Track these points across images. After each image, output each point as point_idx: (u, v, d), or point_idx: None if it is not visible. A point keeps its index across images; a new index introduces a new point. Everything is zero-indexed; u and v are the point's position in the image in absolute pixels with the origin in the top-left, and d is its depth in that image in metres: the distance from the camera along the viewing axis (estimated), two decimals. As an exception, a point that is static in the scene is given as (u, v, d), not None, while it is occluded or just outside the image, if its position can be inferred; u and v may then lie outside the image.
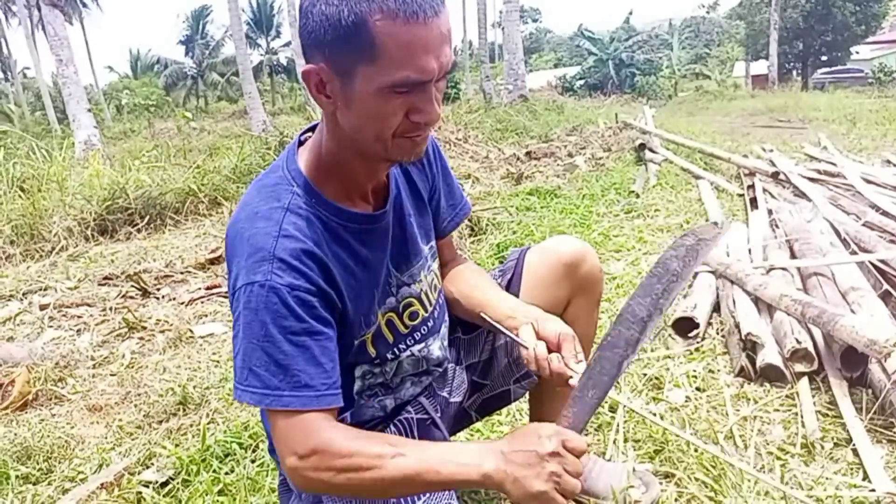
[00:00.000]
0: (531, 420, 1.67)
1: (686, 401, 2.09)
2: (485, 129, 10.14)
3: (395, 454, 0.95)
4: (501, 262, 1.54)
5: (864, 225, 3.46)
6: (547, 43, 65.04)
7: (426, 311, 1.25)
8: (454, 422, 1.44)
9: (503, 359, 1.44)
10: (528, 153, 7.94)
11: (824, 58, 30.13)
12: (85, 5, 33.62)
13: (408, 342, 1.22)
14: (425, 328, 1.25)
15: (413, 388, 1.29)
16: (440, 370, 1.34)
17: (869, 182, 4.58)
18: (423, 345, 1.25)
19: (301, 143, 1.11)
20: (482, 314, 1.28)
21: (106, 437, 2.25)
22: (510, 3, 13.67)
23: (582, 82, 26.36)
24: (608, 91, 23.97)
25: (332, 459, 0.95)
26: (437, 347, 1.29)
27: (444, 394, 1.37)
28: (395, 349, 1.20)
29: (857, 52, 32.63)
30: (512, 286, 1.42)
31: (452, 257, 1.44)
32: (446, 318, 1.37)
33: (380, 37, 0.86)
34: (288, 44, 32.82)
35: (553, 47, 60.14)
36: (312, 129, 1.11)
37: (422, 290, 1.24)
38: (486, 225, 4.54)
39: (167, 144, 9.31)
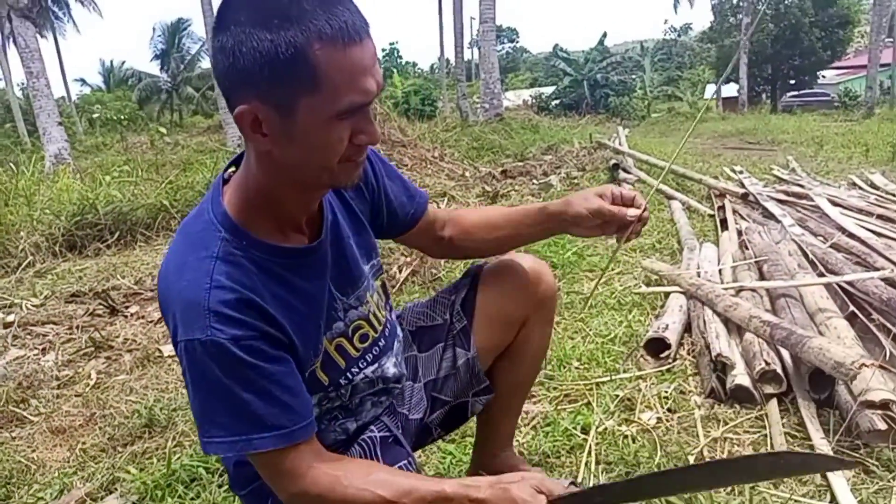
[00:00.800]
0: (477, 440, 1.69)
1: (658, 422, 2.10)
2: (461, 147, 10.19)
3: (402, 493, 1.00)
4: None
5: (830, 247, 3.53)
6: (523, 62, 65.79)
7: (376, 331, 1.25)
8: (416, 439, 1.44)
9: (464, 374, 1.45)
10: (503, 172, 7.99)
11: (792, 81, 30.91)
12: (58, 17, 33.23)
13: (360, 365, 1.21)
14: (377, 349, 1.25)
15: (374, 408, 1.28)
16: (399, 387, 1.34)
17: (835, 204, 4.68)
18: (376, 365, 1.25)
19: (226, 181, 1.06)
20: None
21: (68, 461, 2.19)
22: (486, 23, 13.82)
23: (557, 102, 26.67)
24: (583, 111, 24.28)
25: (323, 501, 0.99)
26: (391, 365, 1.28)
27: (404, 411, 1.37)
28: (348, 374, 1.19)
29: (824, 77, 33.54)
30: (466, 304, 1.44)
31: (441, 219, 1.43)
32: (399, 333, 1.37)
33: (321, 66, 0.84)
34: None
35: (529, 67, 60.82)
36: (236, 162, 1.06)
37: (369, 311, 1.23)
38: (461, 244, 4.54)
39: (140, 159, 9.20)
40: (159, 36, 36.98)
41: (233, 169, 1.07)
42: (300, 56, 0.83)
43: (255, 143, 0.93)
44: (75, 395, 2.76)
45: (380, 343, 1.25)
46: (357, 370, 1.20)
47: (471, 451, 1.85)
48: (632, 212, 1.25)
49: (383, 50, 58.34)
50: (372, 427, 1.26)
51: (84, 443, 2.30)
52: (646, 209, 1.27)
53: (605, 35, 30.09)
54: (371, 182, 1.27)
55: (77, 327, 3.55)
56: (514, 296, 1.42)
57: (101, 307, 3.84)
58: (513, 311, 1.44)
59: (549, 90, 29.33)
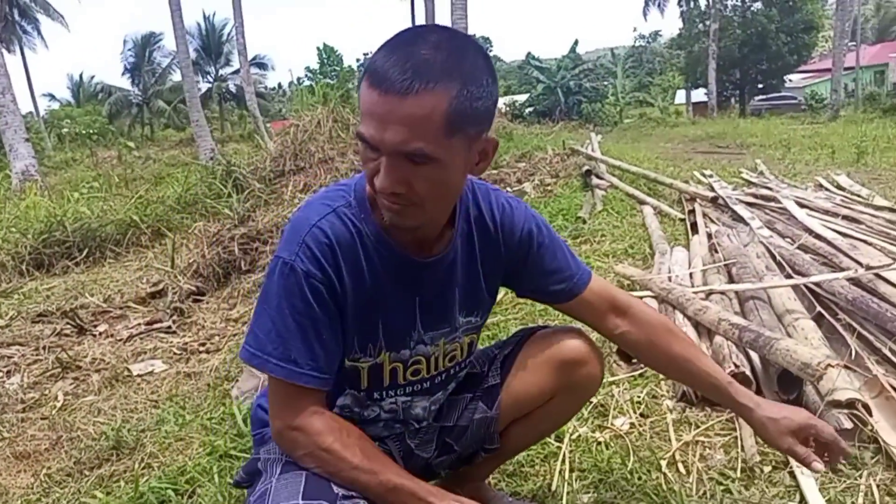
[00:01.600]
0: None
1: (630, 427, 2.11)
2: (435, 156, 10.18)
3: (369, 470, 1.07)
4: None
5: (798, 248, 3.59)
6: (497, 71, 66.14)
7: (428, 373, 1.27)
8: (418, 473, 1.41)
9: (480, 430, 1.44)
10: (477, 180, 8.01)
11: (760, 85, 31.49)
12: (26, 32, 32.73)
13: (398, 392, 1.27)
14: (419, 386, 1.28)
15: (384, 430, 1.32)
16: (416, 425, 1.35)
17: (802, 206, 4.76)
18: (409, 398, 1.28)
19: None
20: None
21: (32, 487, 2.13)
22: (457, 27, 13.88)
23: (531, 109, 26.87)
24: (556, 118, 24.49)
25: (309, 444, 1.08)
26: (420, 407, 1.32)
27: (411, 444, 1.38)
28: (385, 392, 1.25)
29: (791, 80, 34.23)
30: (506, 363, 1.44)
31: (615, 304, 1.40)
32: (451, 387, 1.39)
33: (360, 90, 0.98)
34: (237, 71, 32.50)
35: (503, 75, 61.18)
36: None
37: (434, 354, 1.26)
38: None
39: (109, 174, 9.07)
40: (130, 50, 36.52)
41: None
42: (362, 78, 0.98)
43: None
44: (41, 418, 2.69)
45: (425, 384, 1.29)
46: (393, 394, 1.26)
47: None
48: (818, 466, 1.28)
49: (357, 60, 58.29)
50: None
51: (49, 467, 2.25)
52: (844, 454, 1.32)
53: (576, 43, 30.43)
54: (514, 249, 1.28)
55: (44, 348, 3.47)
56: (552, 370, 1.40)
57: (68, 326, 3.77)
58: (546, 384, 1.41)
59: (522, 97, 29.58)
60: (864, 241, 3.61)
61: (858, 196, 5.45)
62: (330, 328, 1.09)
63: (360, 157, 1.08)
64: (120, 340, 3.55)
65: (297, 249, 1.06)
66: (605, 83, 30.11)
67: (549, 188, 7.33)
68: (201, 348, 3.37)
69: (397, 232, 1.12)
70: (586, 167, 7.79)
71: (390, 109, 0.93)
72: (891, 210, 4.70)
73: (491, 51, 71.34)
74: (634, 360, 2.55)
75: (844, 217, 4.41)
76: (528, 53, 30.41)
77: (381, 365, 1.20)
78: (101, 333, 3.70)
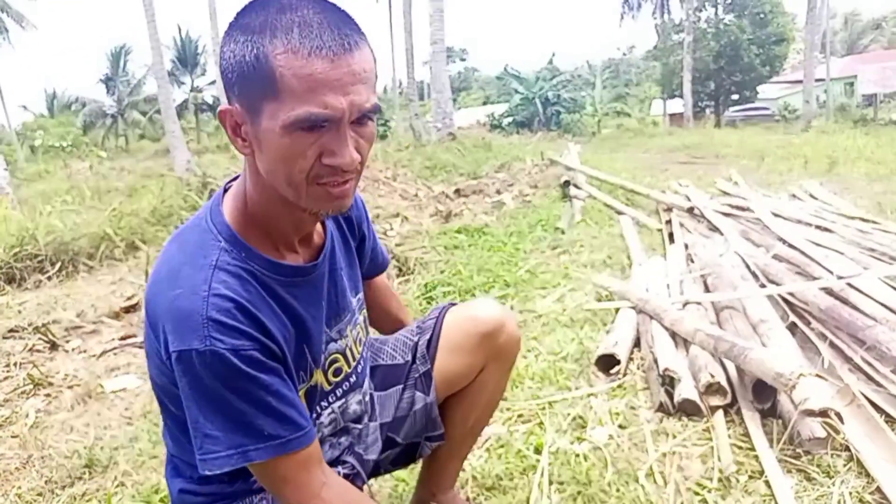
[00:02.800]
0: (421, 479, 1.66)
1: (609, 439, 2.12)
2: (414, 167, 10.21)
3: None
4: (424, 314, 1.57)
5: (772, 258, 3.64)
6: (475, 81, 66.55)
7: (349, 366, 1.23)
8: (368, 475, 1.41)
9: (420, 418, 1.43)
10: (456, 191, 8.04)
11: (735, 96, 31.99)
12: (-3, 43, 32.28)
13: (329, 399, 1.20)
14: (347, 384, 1.23)
15: (331, 450, 1.24)
16: (359, 427, 1.31)
17: (776, 216, 4.84)
18: (343, 401, 1.23)
19: (226, 191, 1.06)
20: None
21: (1, 509, 2.08)
22: (436, 43, 13.96)
23: (510, 120, 27.01)
24: (535, 128, 24.65)
25: None
26: (355, 403, 1.27)
27: (360, 451, 1.34)
28: (320, 406, 1.18)
29: (764, 91, 34.84)
30: (430, 348, 1.42)
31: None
32: (368, 370, 1.35)
33: (280, 70, 0.84)
34: (213, 82, 32.36)
35: (482, 85, 61.55)
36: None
37: (347, 345, 1.21)
38: (414, 265, 4.53)
39: (83, 186, 8.95)
40: (104, 60, 36.15)
41: (234, 182, 1.06)
42: (262, 60, 0.85)
43: (237, 148, 0.95)
44: (11, 437, 2.63)
45: (351, 379, 1.24)
46: (326, 404, 1.19)
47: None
48: None
49: (335, 71, 58.29)
50: (338, 468, 1.23)
51: (20, 487, 2.19)
52: None
53: (554, 55, 30.75)
54: (362, 225, 1.32)
55: (15, 364, 3.40)
56: (474, 344, 1.40)
57: (40, 342, 3.69)
58: (471, 360, 1.42)
59: (501, 108, 29.73)
60: (837, 251, 3.67)
61: (831, 205, 5.55)
62: (283, 384, 0.98)
63: (283, 155, 0.89)
64: (93, 356, 3.48)
65: (206, 332, 0.89)
66: (583, 94, 30.41)
67: (528, 199, 7.37)
68: (177, 363, 3.32)
69: (284, 242, 1.05)
70: (565, 178, 7.85)
71: (348, 71, 0.86)
72: (862, 219, 4.79)
73: (468, 62, 71.81)
74: (612, 371, 2.57)
75: (817, 227, 4.48)
76: (506, 65, 30.59)
77: (315, 384, 1.14)
78: (73, 349, 3.63)
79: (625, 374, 2.56)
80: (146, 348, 1.03)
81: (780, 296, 2.93)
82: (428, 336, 1.43)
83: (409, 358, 1.44)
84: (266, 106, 0.87)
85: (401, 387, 1.43)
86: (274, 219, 1.01)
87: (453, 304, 1.50)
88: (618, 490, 1.80)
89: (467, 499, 1.77)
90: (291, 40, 0.84)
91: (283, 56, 0.84)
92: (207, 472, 0.94)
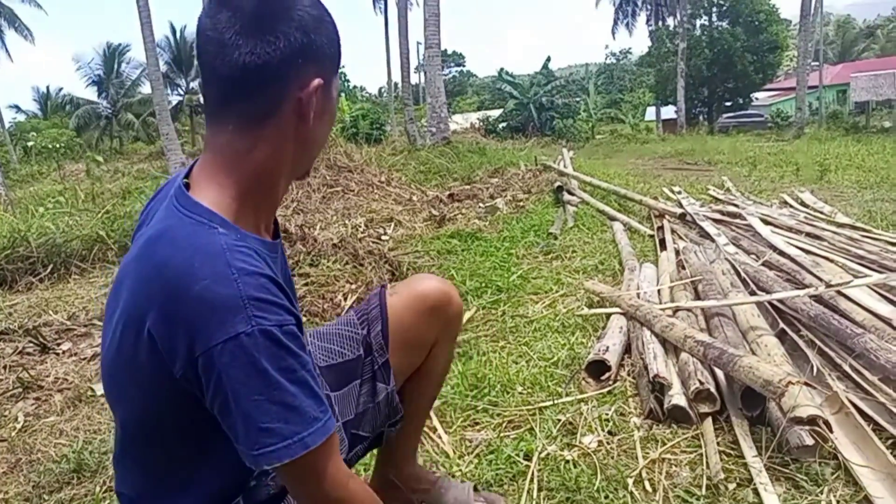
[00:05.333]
0: (381, 457, 1.67)
1: (599, 445, 2.12)
2: (408, 171, 10.22)
3: None
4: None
5: (762, 265, 3.66)
6: (470, 86, 66.67)
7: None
8: None
9: (383, 408, 1.42)
10: (450, 195, 8.04)
11: (728, 103, 32.21)
12: (-10, 43, 32.14)
13: None
14: None
15: None
16: None
17: (767, 223, 4.87)
18: None
19: (188, 186, 1.00)
20: None
21: (-12, 513, 2.07)
22: (432, 48, 13.98)
23: (504, 124, 27.01)
24: (529, 133, 24.65)
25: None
26: None
27: None
28: None
29: (757, 98, 35.05)
30: (384, 337, 1.41)
31: None
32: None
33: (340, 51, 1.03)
34: (209, 84, 32.24)
35: (476, 90, 61.66)
36: (187, 174, 1.02)
37: None
38: (407, 269, 4.54)
39: (76, 188, 8.91)
40: (94, 62, 35.91)
41: (187, 180, 1.02)
42: (336, 42, 1.01)
43: (299, 120, 0.97)
44: (0, 441, 2.62)
45: None
46: None
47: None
48: None
49: (331, 74, 58.31)
50: None
51: (7, 492, 2.18)
52: None
53: (549, 59, 30.78)
54: None
55: (4, 367, 3.38)
56: (428, 319, 1.44)
57: (31, 345, 3.67)
58: (427, 335, 1.47)
59: (495, 113, 29.76)
60: (826, 258, 3.70)
61: (821, 213, 5.59)
62: (312, 362, 0.96)
63: (333, 117, 1.07)
64: (84, 359, 3.47)
65: (250, 312, 0.86)
66: (577, 99, 30.47)
67: (521, 204, 7.39)
68: (168, 367, 3.31)
69: (266, 219, 1.06)
70: (558, 183, 7.88)
71: None
72: (852, 227, 4.82)
73: (464, 66, 71.96)
74: (603, 377, 2.58)
75: (808, 234, 4.52)
76: (501, 69, 30.61)
77: None
78: (64, 352, 3.61)
79: (615, 381, 2.57)
80: (137, 381, 0.95)
81: (770, 303, 2.95)
82: (379, 326, 1.41)
83: (361, 352, 1.41)
84: (333, 80, 1.02)
85: (357, 382, 1.40)
86: (274, 193, 1.03)
87: (384, 287, 1.50)
88: (607, 497, 1.80)
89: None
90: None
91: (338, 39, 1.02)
92: (266, 467, 0.90)
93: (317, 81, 0.96)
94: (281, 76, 0.93)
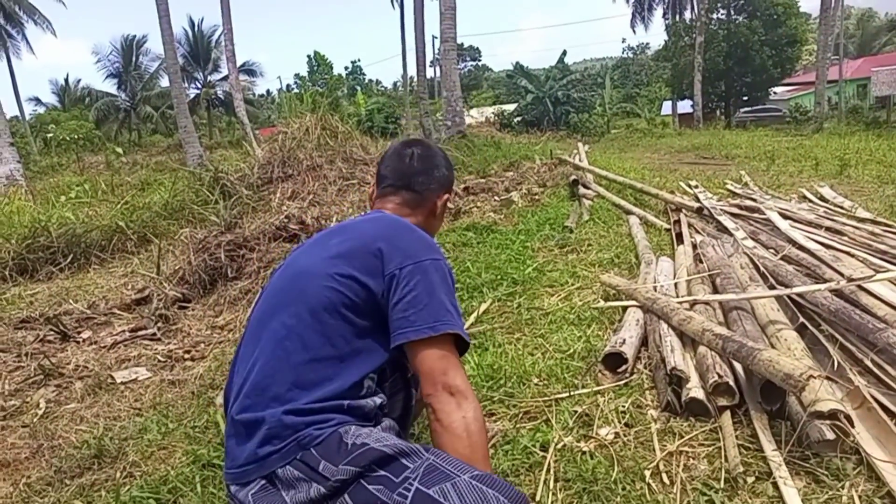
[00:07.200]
0: None
1: (615, 437, 2.11)
2: (423, 164, 10.18)
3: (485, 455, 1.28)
4: None
5: (781, 259, 3.62)
6: (486, 80, 66.40)
7: None
8: None
9: None
10: (465, 189, 8.02)
11: (745, 97, 31.77)
12: (11, 37, 32.45)
13: None
14: None
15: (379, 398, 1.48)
16: None
17: (786, 217, 4.81)
18: None
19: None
20: None
21: (11, 497, 2.10)
22: (447, 42, 13.92)
23: (519, 119, 26.89)
24: (544, 127, 24.51)
25: (469, 410, 1.25)
26: None
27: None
28: None
29: (775, 93, 34.56)
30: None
31: None
32: None
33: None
34: (225, 77, 32.39)
35: (492, 84, 61.38)
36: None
37: None
38: (423, 261, 4.54)
39: (96, 180, 9.00)
40: (111, 54, 36.10)
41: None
42: (451, 176, 1.77)
43: (433, 211, 1.71)
44: (22, 426, 2.66)
45: None
46: None
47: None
48: None
49: (346, 68, 58.36)
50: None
51: (29, 476, 2.22)
52: None
53: (564, 53, 30.57)
54: None
55: (26, 354, 3.43)
56: None
57: (52, 333, 3.73)
58: None
59: (511, 107, 29.62)
60: (847, 253, 3.65)
61: (841, 208, 5.52)
62: None
63: (438, 227, 1.83)
64: (104, 347, 3.51)
65: (440, 253, 1.45)
66: (593, 94, 30.24)
67: (536, 197, 7.36)
68: (186, 356, 3.35)
69: None
70: (573, 177, 7.83)
71: None
72: (873, 222, 4.76)
73: (480, 60, 71.73)
74: (620, 370, 2.57)
75: (827, 229, 4.46)
76: (517, 63, 30.43)
77: None
78: (84, 340, 3.66)
79: (632, 374, 2.56)
80: (353, 277, 1.36)
81: (789, 298, 2.92)
82: None
83: None
84: (447, 196, 1.74)
85: None
86: None
87: None
88: (624, 488, 1.79)
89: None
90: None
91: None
92: (447, 332, 1.31)
93: (446, 196, 1.73)
94: (431, 190, 1.69)
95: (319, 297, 1.35)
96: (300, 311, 1.34)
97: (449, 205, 1.75)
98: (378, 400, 1.37)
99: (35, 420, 2.70)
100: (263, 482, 1.22)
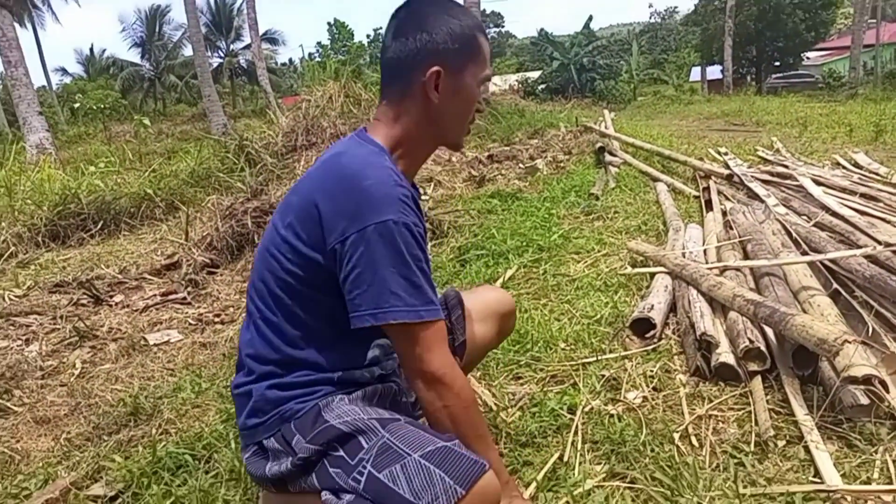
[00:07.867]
0: None
1: (643, 401, 2.11)
2: (447, 132, 10.12)
3: (488, 444, 1.25)
4: (457, 276, 1.72)
5: (814, 226, 3.55)
6: (509, 47, 65.45)
7: None
8: None
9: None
10: (490, 156, 7.96)
11: (777, 63, 30.95)
12: (37, 7, 32.61)
13: None
14: None
15: (392, 362, 1.41)
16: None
17: (819, 184, 4.70)
18: None
19: (366, 131, 1.32)
20: None
21: (53, 451, 2.17)
22: (471, 8, 13.72)
23: (544, 86, 26.49)
24: (569, 95, 24.10)
25: (451, 397, 1.18)
26: None
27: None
28: None
29: (808, 58, 33.59)
30: (463, 317, 1.66)
31: None
32: None
33: (482, 46, 1.30)
34: (248, 46, 32.30)
35: (515, 51, 60.47)
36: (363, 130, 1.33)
37: None
38: (448, 228, 4.54)
39: (123, 148, 9.09)
40: (136, 24, 36.18)
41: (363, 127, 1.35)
42: (472, 38, 1.28)
43: (425, 98, 1.26)
44: (60, 385, 2.73)
45: None
46: None
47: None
48: None
49: (368, 36, 57.86)
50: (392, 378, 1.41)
51: (69, 432, 2.28)
52: None
53: (590, 18, 29.95)
54: None
55: (61, 317, 3.51)
56: (495, 323, 1.75)
57: (85, 297, 3.81)
58: (491, 335, 1.75)
59: (535, 74, 29.17)
60: (882, 219, 3.57)
61: (877, 174, 5.38)
62: (429, 267, 1.23)
63: (470, 99, 1.30)
64: (136, 311, 3.58)
65: (398, 208, 1.14)
66: (619, 60, 29.67)
67: (561, 165, 7.28)
68: (216, 319, 3.40)
69: (412, 173, 1.36)
70: (599, 144, 7.73)
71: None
72: (909, 189, 4.63)
73: (503, 27, 70.64)
74: (647, 335, 2.56)
75: (862, 195, 4.35)
76: (541, 30, 29.86)
77: None
78: (117, 304, 3.73)
79: (660, 339, 2.55)
80: (295, 248, 1.21)
81: (822, 264, 2.87)
82: (459, 311, 1.66)
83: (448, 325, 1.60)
84: (468, 67, 1.28)
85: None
86: (421, 154, 1.36)
87: (465, 289, 1.79)
88: (652, 450, 1.79)
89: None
90: (482, 27, 1.32)
91: (481, 37, 1.30)
92: (392, 322, 1.14)
93: (433, 69, 1.24)
94: (408, 67, 1.25)
95: (284, 280, 1.24)
96: (270, 286, 1.26)
97: (467, 81, 1.27)
98: (378, 370, 1.34)
99: (72, 379, 2.77)
100: (255, 448, 1.27)
